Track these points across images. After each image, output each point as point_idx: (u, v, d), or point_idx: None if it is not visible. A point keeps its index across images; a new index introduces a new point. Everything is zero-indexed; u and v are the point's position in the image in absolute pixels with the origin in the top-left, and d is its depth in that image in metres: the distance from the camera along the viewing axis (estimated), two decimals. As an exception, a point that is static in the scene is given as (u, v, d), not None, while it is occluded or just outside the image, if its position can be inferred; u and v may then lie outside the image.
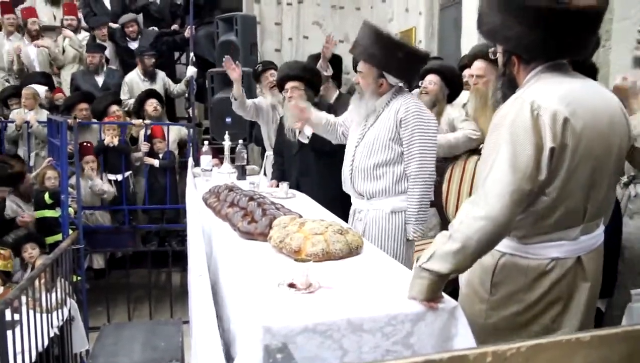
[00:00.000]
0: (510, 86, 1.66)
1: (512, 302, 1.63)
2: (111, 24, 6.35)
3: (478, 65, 3.12)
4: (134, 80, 5.92)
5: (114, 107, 5.51)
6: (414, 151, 2.51)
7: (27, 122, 5.26)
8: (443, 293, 1.50)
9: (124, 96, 5.88)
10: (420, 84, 3.46)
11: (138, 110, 5.64)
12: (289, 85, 3.42)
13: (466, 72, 3.67)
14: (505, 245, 1.61)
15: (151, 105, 5.56)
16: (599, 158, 1.54)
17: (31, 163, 5.32)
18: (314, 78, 3.51)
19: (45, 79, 5.77)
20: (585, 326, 1.65)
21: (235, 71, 3.89)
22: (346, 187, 2.75)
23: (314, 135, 3.30)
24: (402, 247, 2.61)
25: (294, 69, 3.52)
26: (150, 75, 5.91)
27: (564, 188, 1.51)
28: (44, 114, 5.39)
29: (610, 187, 1.64)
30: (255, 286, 1.61)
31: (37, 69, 6.04)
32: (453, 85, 3.58)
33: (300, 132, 3.37)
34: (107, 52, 6.26)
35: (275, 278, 1.63)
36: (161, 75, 6.06)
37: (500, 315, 1.65)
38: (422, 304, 1.44)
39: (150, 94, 5.63)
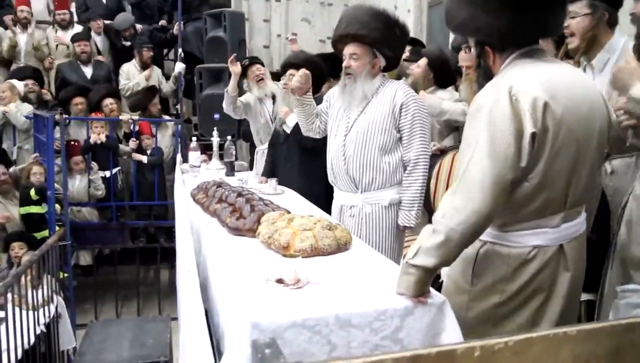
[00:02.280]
0: (486, 77, 1.64)
1: (493, 293, 1.60)
2: (106, 21, 6.36)
3: (464, 57, 3.15)
4: (131, 71, 5.98)
5: (108, 100, 5.51)
6: (415, 136, 2.51)
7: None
8: (431, 289, 1.50)
9: (123, 82, 5.92)
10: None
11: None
12: (289, 72, 3.45)
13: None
14: (485, 233, 1.57)
15: (155, 105, 5.60)
16: (580, 143, 1.52)
17: (14, 156, 5.26)
18: (316, 73, 3.51)
19: (35, 73, 5.69)
20: (567, 317, 1.63)
21: (236, 66, 3.97)
22: (337, 179, 2.68)
23: (296, 128, 3.29)
24: (396, 241, 2.61)
25: (298, 58, 3.55)
26: (144, 67, 5.96)
27: (545, 174, 1.48)
28: (24, 107, 5.32)
29: (592, 173, 1.62)
30: (243, 282, 1.60)
31: (22, 60, 5.97)
32: (440, 69, 3.60)
33: (284, 122, 3.38)
34: (100, 45, 6.29)
35: (264, 274, 1.63)
36: (156, 70, 6.10)
37: (482, 306, 1.62)
38: (411, 300, 1.44)
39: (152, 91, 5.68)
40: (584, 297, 2.37)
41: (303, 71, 2.80)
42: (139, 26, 6.51)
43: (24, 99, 5.45)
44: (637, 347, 0.98)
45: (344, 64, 2.61)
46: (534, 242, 1.56)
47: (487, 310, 1.61)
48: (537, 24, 1.55)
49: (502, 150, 1.42)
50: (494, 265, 1.60)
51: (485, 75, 1.66)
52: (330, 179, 2.74)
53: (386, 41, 2.51)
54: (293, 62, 3.51)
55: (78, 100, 5.41)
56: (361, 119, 2.57)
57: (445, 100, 3.43)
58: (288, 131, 3.40)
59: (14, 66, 5.93)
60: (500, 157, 1.41)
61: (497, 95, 1.46)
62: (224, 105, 4.11)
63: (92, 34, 6.23)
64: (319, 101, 3.11)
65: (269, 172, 3.51)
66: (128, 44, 6.28)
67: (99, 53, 6.27)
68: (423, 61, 3.59)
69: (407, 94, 2.53)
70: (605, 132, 1.63)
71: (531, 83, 1.46)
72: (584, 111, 1.53)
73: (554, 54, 2.59)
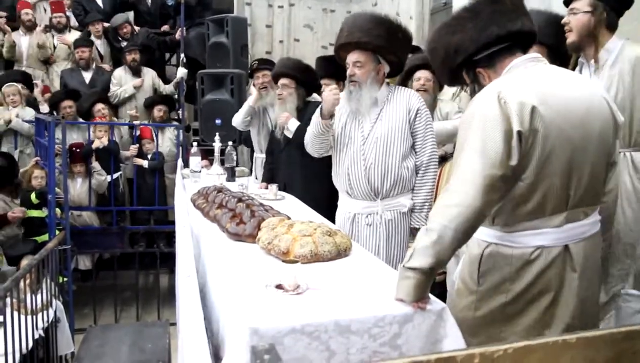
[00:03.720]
0: None
1: (500, 292, 1.63)
2: (105, 23, 6.37)
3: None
4: (122, 76, 5.97)
5: (99, 105, 5.49)
6: (428, 140, 2.59)
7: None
8: (430, 295, 1.50)
9: (113, 88, 5.92)
10: (411, 79, 3.46)
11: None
12: (281, 81, 3.44)
13: None
14: (490, 234, 1.64)
15: (160, 110, 5.63)
16: (576, 144, 1.54)
17: (16, 160, 5.25)
18: (307, 77, 3.50)
19: (23, 77, 5.67)
20: (582, 318, 1.64)
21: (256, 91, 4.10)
22: (354, 188, 2.62)
23: (298, 130, 3.29)
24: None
25: (287, 67, 3.53)
26: (134, 71, 5.94)
27: (539, 174, 1.52)
28: (27, 112, 5.33)
29: (596, 175, 1.63)
30: (243, 287, 1.60)
31: (25, 63, 5.98)
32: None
33: (285, 127, 3.38)
34: (101, 50, 6.31)
35: (263, 279, 1.62)
36: (150, 73, 6.07)
37: (490, 306, 1.64)
38: (410, 305, 1.44)
39: (158, 99, 5.72)
40: None
41: (334, 88, 2.66)
42: (137, 28, 6.53)
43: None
44: (637, 355, 0.97)
45: (348, 72, 2.60)
46: (537, 242, 1.59)
47: (495, 310, 1.64)
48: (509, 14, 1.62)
49: (492, 149, 1.47)
50: (499, 265, 1.64)
51: None
52: (345, 188, 2.68)
53: (389, 47, 2.52)
54: (284, 71, 3.49)
55: (67, 103, 5.35)
56: (378, 125, 2.58)
57: (448, 112, 3.44)
58: (290, 136, 3.39)
59: (21, 69, 5.94)
60: (490, 155, 1.46)
61: (486, 100, 1.53)
62: (237, 117, 4.13)
63: (93, 38, 6.25)
64: (314, 106, 3.11)
65: (269, 179, 3.51)
66: (124, 44, 6.28)
67: (101, 57, 6.29)
68: (428, 74, 3.55)
69: (420, 99, 2.62)
70: (610, 132, 1.64)
71: (519, 87, 1.53)
72: (580, 114, 1.56)
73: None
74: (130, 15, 6.84)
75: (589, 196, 1.64)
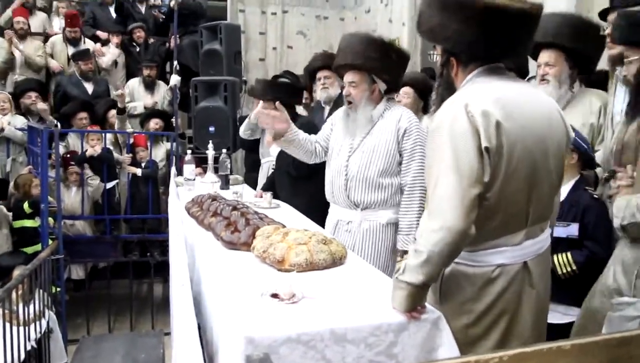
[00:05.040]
0: (447, 88, 1.67)
1: (462, 313, 1.60)
2: (123, 36, 6.52)
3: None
4: (135, 88, 6.06)
5: (113, 112, 5.57)
6: (414, 161, 2.52)
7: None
8: (426, 304, 1.50)
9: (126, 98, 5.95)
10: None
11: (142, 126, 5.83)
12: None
13: None
14: None
15: (156, 124, 5.70)
16: (536, 159, 1.53)
17: (7, 168, 5.23)
18: (285, 93, 3.53)
19: (39, 86, 5.69)
20: (536, 334, 1.63)
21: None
22: (336, 198, 2.68)
23: (278, 156, 3.31)
24: (391, 259, 2.60)
25: (259, 91, 3.58)
26: (149, 85, 6.05)
27: (502, 193, 1.49)
28: (18, 119, 5.32)
29: (551, 189, 1.63)
30: (238, 296, 1.60)
31: (18, 71, 5.97)
32: (426, 96, 3.66)
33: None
34: (118, 59, 6.44)
35: (259, 288, 1.62)
36: (163, 88, 6.16)
37: (452, 327, 1.56)
38: (404, 315, 1.44)
39: (153, 113, 5.78)
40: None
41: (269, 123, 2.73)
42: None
43: (28, 111, 5.46)
44: (634, 360, 0.98)
45: (344, 92, 2.65)
46: (498, 260, 1.57)
47: (457, 333, 1.57)
48: (505, 43, 1.56)
49: (467, 165, 1.43)
50: (460, 285, 1.61)
51: (446, 85, 1.68)
52: (329, 196, 2.74)
53: (383, 67, 2.54)
54: (260, 97, 3.52)
55: (82, 115, 5.44)
56: (366, 140, 2.59)
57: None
58: (273, 161, 3.43)
59: (14, 78, 5.92)
60: (465, 172, 1.43)
61: (454, 113, 1.48)
62: (243, 128, 4.14)
63: (111, 45, 6.37)
64: (303, 120, 3.11)
65: (268, 188, 3.51)
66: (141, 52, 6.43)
67: (116, 66, 6.43)
68: (409, 90, 3.63)
69: (411, 119, 2.57)
70: (564, 147, 1.65)
71: (485, 101, 1.48)
72: (541, 129, 1.55)
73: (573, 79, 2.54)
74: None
75: (545, 211, 1.64)
